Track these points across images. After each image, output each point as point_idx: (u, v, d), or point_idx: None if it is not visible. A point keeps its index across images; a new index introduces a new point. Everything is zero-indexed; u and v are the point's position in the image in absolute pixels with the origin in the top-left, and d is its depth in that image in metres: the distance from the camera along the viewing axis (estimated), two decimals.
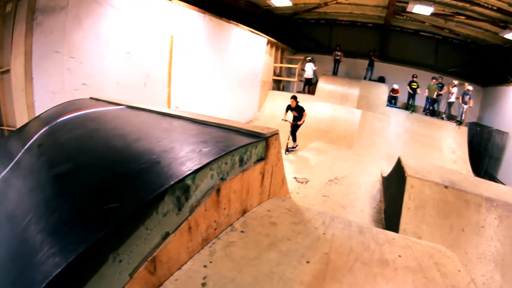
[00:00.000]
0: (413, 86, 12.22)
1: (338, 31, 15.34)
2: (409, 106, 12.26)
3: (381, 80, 14.27)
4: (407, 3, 10.53)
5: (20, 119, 6.36)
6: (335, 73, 14.01)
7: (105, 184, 1.58)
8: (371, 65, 13.57)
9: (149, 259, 1.27)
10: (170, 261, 1.40)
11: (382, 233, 2.10)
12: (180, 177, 1.46)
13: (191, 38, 9.00)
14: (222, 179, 1.75)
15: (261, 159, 2.20)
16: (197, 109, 8.62)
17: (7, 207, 1.86)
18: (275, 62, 13.92)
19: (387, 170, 6.45)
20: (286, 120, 8.46)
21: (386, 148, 10.02)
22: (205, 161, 1.64)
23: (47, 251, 1.16)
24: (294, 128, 8.60)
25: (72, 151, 2.26)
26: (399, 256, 1.80)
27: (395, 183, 4.77)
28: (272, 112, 12.15)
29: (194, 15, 9.00)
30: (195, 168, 1.55)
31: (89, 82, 6.66)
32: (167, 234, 1.38)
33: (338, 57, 13.81)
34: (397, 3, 11.07)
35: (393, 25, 13.81)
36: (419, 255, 1.84)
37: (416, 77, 12.34)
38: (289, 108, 8.54)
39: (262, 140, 2.18)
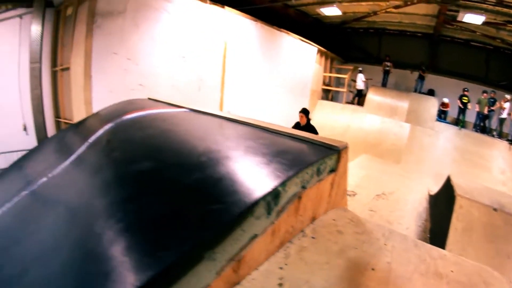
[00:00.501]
0: (464, 101, 11.55)
1: (387, 40, 14.98)
2: (459, 122, 11.61)
3: (431, 93, 13.70)
4: (457, 11, 10.07)
5: (78, 114, 6.77)
6: (384, 84, 13.71)
7: (202, 186, 1.65)
8: (421, 77, 13.17)
9: (236, 258, 1.38)
10: (251, 261, 1.50)
11: (434, 249, 2.19)
12: (276, 185, 1.58)
13: (244, 45, 9.26)
14: (304, 187, 1.82)
15: (332, 170, 2.27)
16: (248, 115, 8.75)
17: (76, 201, 1.92)
18: (324, 71, 13.86)
19: (434, 188, 6.28)
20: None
21: (434, 165, 9.72)
22: (293, 170, 1.74)
23: (141, 249, 1.24)
24: None
25: (150, 149, 2.31)
26: (451, 271, 1.90)
27: (443, 202, 4.65)
28: (321, 122, 11.95)
29: (246, 22, 9.28)
30: (287, 176, 1.67)
31: (145, 83, 7.01)
32: (255, 236, 1.48)
33: (387, 68, 13.54)
34: (447, 12, 10.62)
35: (443, 34, 13.22)
36: (469, 272, 1.93)
37: (467, 90, 11.63)
38: (297, 127, 6.46)
39: (336, 152, 2.29)
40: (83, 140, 3.00)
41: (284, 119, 10.81)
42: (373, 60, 15.11)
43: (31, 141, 7.91)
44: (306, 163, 1.87)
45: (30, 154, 4.52)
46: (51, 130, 8.19)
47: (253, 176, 1.73)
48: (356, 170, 7.88)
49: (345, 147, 2.46)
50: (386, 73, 13.62)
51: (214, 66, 8.51)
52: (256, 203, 1.45)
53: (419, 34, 13.87)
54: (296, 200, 1.77)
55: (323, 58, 13.61)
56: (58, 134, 5.69)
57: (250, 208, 1.42)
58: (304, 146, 2.33)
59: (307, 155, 2.10)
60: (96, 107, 6.28)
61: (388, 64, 13.45)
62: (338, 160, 2.32)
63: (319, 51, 12.85)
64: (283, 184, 1.60)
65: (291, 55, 11.27)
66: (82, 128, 4.15)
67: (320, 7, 11.81)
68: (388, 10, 11.56)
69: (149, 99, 5.10)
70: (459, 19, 10.50)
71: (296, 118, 11.66)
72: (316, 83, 13.13)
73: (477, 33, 11.90)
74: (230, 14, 8.72)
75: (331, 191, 2.43)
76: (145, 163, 1.94)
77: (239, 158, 1.99)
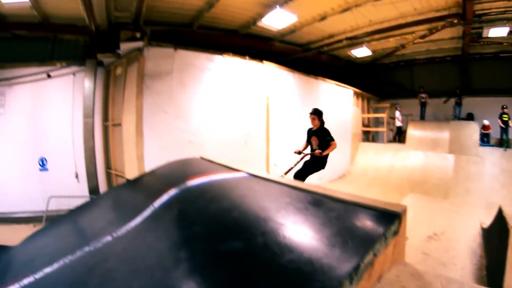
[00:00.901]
0: (504, 119, 11.18)
1: (418, 71, 14.95)
2: (503, 142, 11.10)
3: (470, 117, 13.33)
4: (481, 28, 9.97)
5: (130, 168, 7.24)
6: (422, 116, 13.53)
7: (294, 265, 1.75)
8: (458, 103, 12.90)
9: None
10: None
11: None
12: (358, 260, 1.70)
13: (284, 96, 9.73)
14: (375, 255, 1.91)
15: (395, 233, 2.38)
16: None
17: (147, 269, 2.04)
18: (362, 112, 13.99)
19: (486, 220, 6.11)
20: (301, 152, 5.60)
21: (483, 194, 9.39)
22: (368, 243, 1.88)
23: None
24: (312, 165, 5.47)
25: (230, 225, 2.39)
26: None
27: (496, 236, 4.49)
28: (364, 165, 12.12)
29: (284, 74, 9.81)
30: (365, 250, 1.80)
31: (194, 140, 7.49)
32: None
33: (423, 100, 13.41)
34: (472, 31, 10.50)
35: (471, 53, 13.01)
36: None
37: (506, 107, 11.26)
38: (309, 132, 5.73)
39: (398, 217, 2.37)
40: (147, 202, 3.17)
41: (328, 166, 11.13)
42: (408, 93, 15.04)
43: (82, 188, 8.67)
44: (378, 234, 2.00)
45: (88, 206, 4.79)
46: (102, 180, 8.90)
47: (336, 251, 1.84)
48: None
49: (405, 210, 2.60)
50: (423, 105, 13.48)
51: (258, 120, 8.98)
52: (344, 278, 1.55)
53: (448, 58, 13.75)
54: (370, 267, 1.86)
55: (360, 100, 13.77)
56: (116, 190, 5.96)
57: (341, 285, 1.52)
58: (370, 213, 2.41)
59: (375, 224, 2.22)
60: (148, 162, 6.82)
61: (423, 95, 13.34)
62: (399, 222, 2.40)
63: (355, 93, 13.08)
64: (362, 258, 1.72)
65: (329, 101, 11.56)
66: (142, 187, 4.54)
67: (350, 50, 12.10)
68: (415, 41, 11.71)
69: (202, 158, 5.39)
70: (484, 35, 10.47)
71: (341, 164, 11.91)
72: (356, 126, 13.24)
73: (504, 43, 11.63)
74: (269, 68, 9.31)
75: (394, 250, 2.57)
76: (233, 242, 2.04)
77: (317, 232, 2.10)
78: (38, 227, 7.68)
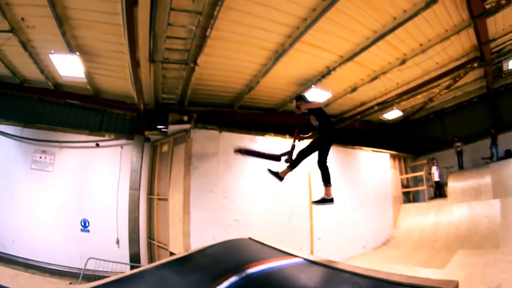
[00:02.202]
0: None
1: (449, 119, 15.00)
2: None
3: (508, 154, 12.72)
4: (501, 62, 10.15)
5: (175, 243, 7.96)
6: (461, 166, 13.39)
7: None
8: (494, 143, 12.58)
9: None
10: None
11: None
12: None
13: None
14: None
15: None
16: (336, 237, 9.63)
17: None
18: (400, 174, 14.17)
19: None
20: (301, 138, 5.51)
21: None
22: None
23: None
24: (317, 144, 5.04)
25: None
26: None
27: None
28: (408, 227, 12.15)
29: None
30: None
31: (240, 218, 8.16)
32: None
33: (459, 149, 13.37)
34: (492, 67, 10.66)
35: (496, 87, 13.07)
36: None
37: None
38: (307, 117, 5.31)
39: None
40: (205, 286, 3.56)
41: (371, 232, 11.44)
42: (443, 145, 14.98)
43: (122, 254, 9.46)
44: None
45: (139, 277, 5.14)
46: (143, 248, 9.67)
47: None
48: (456, 271, 7.67)
49: (457, 285, 2.80)
50: (459, 154, 13.41)
51: (301, 196, 9.54)
52: None
53: (475, 100, 13.85)
54: None
55: (396, 161, 14.07)
56: (167, 265, 5.99)
57: None
58: None
59: None
60: (194, 239, 7.52)
61: (458, 144, 13.33)
62: None
63: (391, 155, 13.45)
64: None
65: (367, 168, 12.05)
66: (195, 267, 4.97)
67: (382, 114, 12.67)
68: (441, 93, 12.14)
69: (251, 239, 5.90)
70: (505, 68, 10.75)
71: (384, 229, 12.17)
72: (396, 188, 13.45)
73: None
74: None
75: None
76: None
77: None
78: (74, 283, 8.50)
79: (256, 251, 5.10)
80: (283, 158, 5.37)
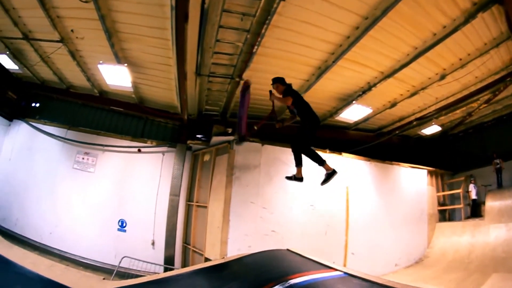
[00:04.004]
0: None
1: (488, 134, 14.59)
2: None
3: None
4: None
5: (212, 249, 8.59)
6: (500, 184, 13.08)
7: None
8: None
9: None
10: None
11: None
12: None
13: (362, 186, 10.69)
14: None
15: None
16: (369, 254, 9.94)
17: None
18: (437, 191, 14.14)
19: None
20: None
21: None
22: None
23: None
24: (299, 136, 5.53)
25: None
26: None
27: None
28: (442, 247, 12.13)
29: (361, 164, 10.91)
30: None
31: (278, 229, 8.70)
32: None
33: (498, 166, 13.15)
34: None
35: None
36: None
37: None
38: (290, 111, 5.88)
39: None
40: None
41: (404, 250, 11.63)
42: (482, 162, 14.59)
43: (156, 256, 10.29)
44: None
45: (178, 279, 5.53)
46: (178, 252, 10.46)
47: None
48: None
49: None
50: (499, 171, 13.17)
51: (338, 211, 9.98)
52: None
53: None
54: None
55: (434, 178, 14.07)
56: (206, 270, 6.29)
57: None
58: None
59: None
60: (231, 247, 8.10)
61: (498, 161, 13.13)
62: None
63: (428, 172, 13.50)
64: None
65: (404, 184, 12.27)
66: (234, 274, 5.33)
67: (420, 129, 12.91)
68: (480, 107, 11.95)
69: (289, 250, 6.27)
70: None
71: (418, 247, 12.28)
72: (432, 206, 13.46)
73: None
74: (347, 159, 10.54)
75: None
76: None
77: None
78: (107, 279, 9.23)
79: (295, 262, 5.35)
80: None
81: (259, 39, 6.98)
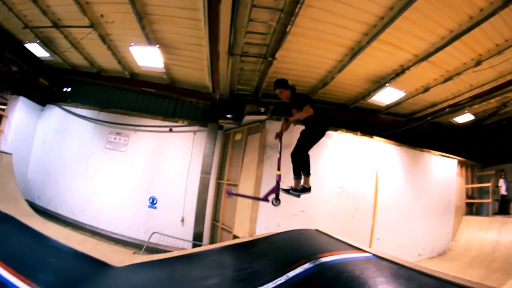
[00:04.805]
0: None
1: None
2: None
3: None
4: None
5: (240, 227, 8.89)
6: None
7: None
8: None
9: None
10: None
11: None
12: None
13: (391, 171, 10.71)
14: None
15: None
16: (394, 241, 9.97)
17: None
18: (466, 183, 13.96)
19: None
20: (279, 134, 5.51)
21: None
22: None
23: None
24: (300, 141, 5.25)
25: None
26: None
27: None
28: (467, 241, 12.01)
29: (392, 149, 10.90)
30: None
31: (306, 210, 8.83)
32: None
33: None
34: None
35: None
36: None
37: None
38: (286, 109, 5.53)
39: None
40: (280, 270, 3.87)
41: (429, 241, 11.65)
42: None
43: (185, 232, 10.81)
44: None
45: (207, 255, 5.89)
46: (206, 228, 10.93)
47: None
48: None
49: None
50: None
51: (367, 195, 10.06)
52: None
53: None
54: None
55: (463, 169, 13.91)
56: (235, 246, 6.58)
57: None
58: None
59: None
60: (259, 226, 8.37)
61: None
62: None
63: (458, 162, 13.37)
64: None
65: (433, 173, 12.17)
66: (263, 250, 5.49)
67: (453, 117, 12.76)
68: None
69: (317, 230, 6.38)
70: None
71: (442, 239, 12.28)
72: (459, 198, 13.32)
73: None
74: (378, 143, 10.57)
75: None
76: None
77: None
78: (137, 253, 9.67)
79: (324, 242, 5.41)
80: (271, 197, 5.21)
81: (292, 18, 7.04)
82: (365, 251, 4.54)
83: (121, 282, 5.46)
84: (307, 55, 8.73)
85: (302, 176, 5.16)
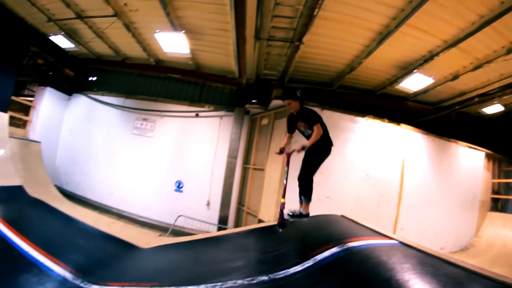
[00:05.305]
0: None
1: None
2: None
3: None
4: None
5: (266, 211, 9.08)
6: None
7: None
8: None
9: None
10: None
11: None
12: None
13: (417, 160, 10.66)
14: None
15: None
16: (417, 232, 9.88)
17: None
18: (493, 177, 13.71)
19: None
20: (282, 151, 5.16)
21: None
22: None
23: None
24: (306, 163, 5.06)
25: None
26: None
27: None
28: (490, 238, 11.87)
29: (419, 137, 10.85)
30: None
31: (332, 196, 8.90)
32: None
33: None
34: None
35: None
36: None
37: None
38: (291, 120, 5.27)
39: None
40: (306, 254, 3.82)
41: (452, 236, 11.57)
42: None
43: (210, 216, 11.18)
44: None
45: (232, 237, 5.83)
46: (232, 212, 11.25)
47: None
48: None
49: None
50: None
51: (393, 183, 10.04)
52: None
53: None
54: None
55: (490, 162, 13.67)
56: (261, 229, 6.34)
57: None
58: None
59: None
60: (285, 210, 8.28)
61: None
62: None
63: (486, 155, 13.13)
64: None
65: (459, 164, 12.01)
66: (288, 234, 5.26)
67: (482, 107, 12.55)
68: None
69: (343, 216, 6.11)
70: None
71: (465, 235, 12.12)
72: (485, 193, 13.08)
73: None
74: (405, 131, 10.54)
75: None
76: None
77: None
78: (163, 236, 9.97)
79: (351, 228, 5.24)
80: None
81: (319, 1, 7.04)
82: (391, 238, 4.43)
83: (147, 263, 5.62)
84: (334, 39, 8.77)
85: (303, 202, 4.90)
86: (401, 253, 3.72)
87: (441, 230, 11.06)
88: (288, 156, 4.85)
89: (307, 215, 4.82)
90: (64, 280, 4.66)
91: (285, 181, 4.72)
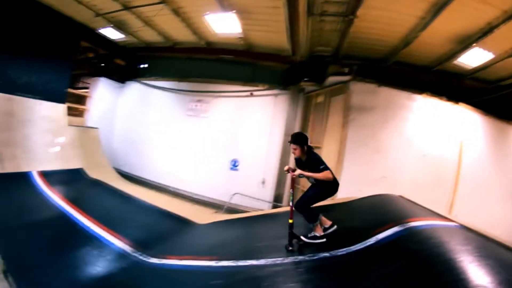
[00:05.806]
0: None
1: None
2: None
3: None
4: None
5: None
6: None
7: None
8: None
9: None
10: None
11: None
12: None
13: (476, 144, 10.20)
14: None
15: None
16: (472, 221, 9.03)
17: None
18: None
19: None
20: (289, 171, 4.93)
21: None
22: None
23: None
24: (307, 193, 4.95)
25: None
26: None
27: None
28: None
29: (477, 119, 10.36)
30: None
31: (388, 175, 8.85)
32: None
33: None
34: None
35: None
36: None
37: None
38: (299, 164, 5.09)
39: None
40: (369, 232, 4.04)
41: (509, 228, 10.34)
42: None
43: (265, 194, 11.65)
44: None
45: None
46: (287, 191, 11.53)
47: None
48: None
49: None
50: None
51: (450, 167, 9.66)
52: None
53: None
54: None
55: None
56: (319, 208, 6.03)
57: None
58: None
59: None
60: (341, 189, 8.52)
61: None
62: None
63: None
64: None
65: None
66: (348, 213, 5.67)
67: None
68: None
69: (401, 197, 6.45)
70: None
71: None
72: None
73: None
74: (464, 110, 10.06)
75: None
76: None
77: None
78: (218, 213, 10.66)
79: (410, 208, 5.48)
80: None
81: None
82: (451, 220, 4.65)
83: (204, 238, 6.08)
84: (388, 12, 8.46)
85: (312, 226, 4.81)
86: (461, 235, 3.94)
87: (496, 223, 9.96)
88: (293, 179, 4.88)
89: (323, 236, 4.67)
90: (124, 253, 5.31)
91: (290, 203, 4.73)
